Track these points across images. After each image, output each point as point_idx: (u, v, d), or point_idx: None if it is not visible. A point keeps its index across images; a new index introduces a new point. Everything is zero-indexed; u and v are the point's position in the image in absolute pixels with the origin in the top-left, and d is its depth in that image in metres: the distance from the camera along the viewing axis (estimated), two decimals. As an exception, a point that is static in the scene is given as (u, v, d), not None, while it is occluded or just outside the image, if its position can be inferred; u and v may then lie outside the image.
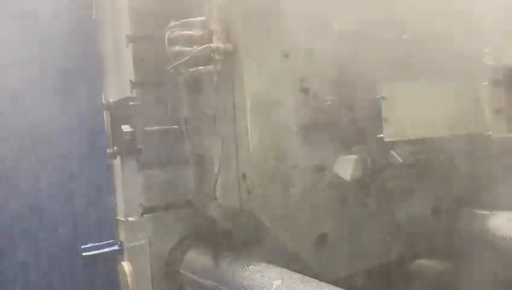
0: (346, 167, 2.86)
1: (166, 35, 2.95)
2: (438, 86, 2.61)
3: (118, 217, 3.98)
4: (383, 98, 2.37)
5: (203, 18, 2.93)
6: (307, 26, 2.82)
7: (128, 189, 3.75)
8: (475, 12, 2.68)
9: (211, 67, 2.86)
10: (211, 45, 2.78)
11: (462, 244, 3.41)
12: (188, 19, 3.00)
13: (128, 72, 3.43)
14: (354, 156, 2.88)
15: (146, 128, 3.33)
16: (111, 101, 3.73)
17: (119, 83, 3.70)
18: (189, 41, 2.93)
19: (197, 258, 3.27)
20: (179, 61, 2.92)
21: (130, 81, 3.36)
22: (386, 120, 2.41)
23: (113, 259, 3.99)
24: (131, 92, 3.38)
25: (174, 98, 3.21)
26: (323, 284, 2.36)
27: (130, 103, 3.35)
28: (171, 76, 3.15)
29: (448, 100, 2.64)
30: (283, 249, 2.82)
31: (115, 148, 3.61)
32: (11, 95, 3.91)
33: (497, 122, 2.31)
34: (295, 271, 2.56)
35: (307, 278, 2.45)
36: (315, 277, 2.45)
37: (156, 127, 3.38)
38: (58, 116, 4.08)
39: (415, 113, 2.50)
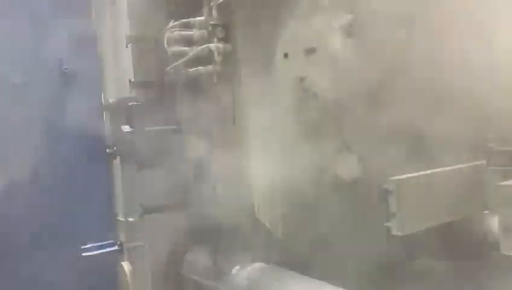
0: None
1: (166, 36, 2.94)
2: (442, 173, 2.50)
3: (118, 218, 3.98)
4: (389, 191, 2.29)
5: (202, 18, 2.93)
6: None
7: (128, 189, 3.75)
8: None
9: (210, 67, 2.86)
10: (210, 45, 2.78)
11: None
12: (188, 19, 3.01)
13: (128, 72, 3.44)
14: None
15: (146, 128, 3.33)
16: (111, 101, 3.73)
17: (118, 83, 3.70)
18: (189, 41, 2.94)
19: (197, 258, 3.27)
20: (179, 62, 2.92)
21: (130, 81, 3.36)
22: (393, 215, 2.31)
23: (113, 259, 3.99)
24: (131, 92, 3.38)
25: (174, 98, 3.21)
26: (322, 283, 2.37)
27: (130, 103, 3.35)
28: (170, 76, 3.15)
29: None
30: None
31: (115, 148, 3.61)
32: (10, 95, 3.91)
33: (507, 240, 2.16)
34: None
35: (305, 277, 2.45)
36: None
37: (155, 127, 3.38)
38: (58, 116, 4.07)
39: (422, 204, 2.40)
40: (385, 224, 2.27)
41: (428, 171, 2.41)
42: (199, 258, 3.25)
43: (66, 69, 4.08)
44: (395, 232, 2.26)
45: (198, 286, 3.13)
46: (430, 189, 2.39)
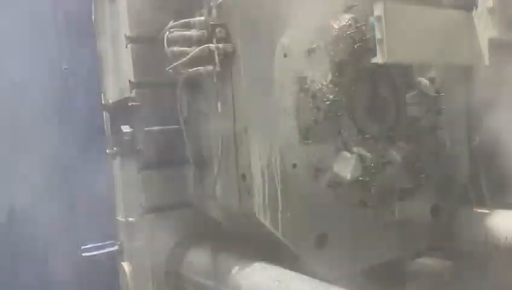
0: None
1: (166, 36, 2.94)
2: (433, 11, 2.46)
3: (117, 217, 3.98)
4: (378, 17, 2.27)
5: (202, 18, 2.93)
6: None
7: (128, 189, 3.75)
8: None
9: (210, 67, 2.86)
10: (210, 45, 2.78)
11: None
12: (187, 19, 3.01)
13: (128, 72, 3.44)
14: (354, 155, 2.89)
15: (145, 129, 3.33)
16: (110, 101, 3.73)
17: (118, 84, 3.70)
18: (189, 41, 2.94)
19: (197, 258, 3.27)
20: (178, 62, 2.92)
21: (130, 81, 3.36)
22: (379, 42, 2.29)
23: (113, 259, 3.99)
24: (131, 93, 3.38)
25: (174, 98, 3.21)
26: (322, 283, 2.37)
27: (130, 104, 3.35)
28: (170, 76, 3.15)
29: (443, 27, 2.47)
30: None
31: (115, 148, 3.61)
32: (10, 94, 3.91)
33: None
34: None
35: (306, 277, 2.45)
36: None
37: (155, 127, 3.38)
38: (58, 116, 4.08)
39: (409, 36, 2.36)
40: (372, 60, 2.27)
41: (419, 6, 2.40)
42: (199, 258, 3.25)
43: (66, 69, 4.08)
44: (379, 60, 2.26)
45: (198, 286, 3.13)
46: (418, 23, 2.37)
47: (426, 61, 2.41)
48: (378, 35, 2.27)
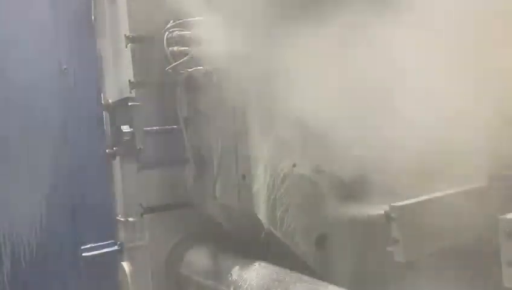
0: None
1: (165, 36, 2.94)
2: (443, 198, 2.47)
3: (117, 217, 3.98)
4: (392, 218, 2.28)
5: (201, 18, 2.93)
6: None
7: (128, 189, 3.75)
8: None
9: (210, 67, 2.86)
10: (210, 45, 2.78)
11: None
12: (187, 19, 3.00)
13: (128, 72, 3.44)
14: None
15: (145, 129, 3.33)
16: (110, 101, 3.73)
17: (118, 84, 3.70)
18: (188, 41, 2.94)
19: (197, 258, 3.27)
20: (178, 62, 2.92)
21: (129, 81, 3.36)
22: (395, 241, 2.31)
23: (113, 259, 3.99)
24: (131, 93, 3.38)
25: (174, 98, 3.21)
26: (322, 283, 2.37)
27: (129, 103, 3.35)
28: (170, 76, 3.15)
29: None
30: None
31: (115, 148, 3.61)
32: (9, 94, 3.91)
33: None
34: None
35: (306, 277, 2.45)
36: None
37: (155, 127, 3.38)
38: (57, 116, 4.07)
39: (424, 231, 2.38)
40: (387, 249, 2.27)
41: (429, 197, 2.38)
42: (199, 258, 3.25)
43: (65, 69, 4.07)
44: (397, 258, 2.25)
45: (198, 286, 3.13)
46: (431, 215, 2.36)
47: (442, 247, 2.40)
48: (394, 235, 2.25)
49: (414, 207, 2.30)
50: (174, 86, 3.17)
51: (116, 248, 3.98)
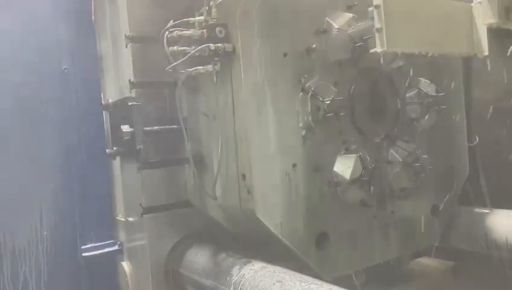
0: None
1: (165, 36, 2.94)
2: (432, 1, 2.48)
3: (117, 217, 3.99)
4: (377, 6, 2.28)
5: (202, 18, 2.93)
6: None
7: (128, 189, 3.75)
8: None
9: (210, 67, 2.86)
10: (210, 45, 2.78)
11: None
12: (187, 19, 3.01)
13: (128, 72, 3.44)
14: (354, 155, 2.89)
15: (145, 129, 3.33)
16: (110, 101, 3.73)
17: (118, 84, 3.70)
18: (188, 41, 2.94)
19: (197, 258, 3.27)
20: (178, 61, 2.92)
21: (129, 81, 3.37)
22: (378, 31, 2.30)
23: (113, 259, 3.99)
24: (131, 92, 3.38)
25: (174, 98, 3.21)
26: (323, 283, 2.36)
27: (129, 103, 3.35)
28: (170, 76, 3.15)
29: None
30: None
31: (114, 148, 3.61)
32: (9, 94, 3.91)
33: None
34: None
35: (306, 277, 2.45)
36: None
37: (155, 127, 3.38)
38: (57, 116, 4.07)
39: (408, 26, 2.37)
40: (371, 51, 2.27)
41: None
42: (199, 258, 3.25)
43: (65, 69, 4.07)
44: (378, 49, 2.26)
45: (198, 286, 3.13)
46: (417, 13, 2.38)
47: (425, 50, 2.40)
48: (377, 25, 2.26)
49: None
50: (174, 86, 3.17)
51: (116, 248, 3.98)
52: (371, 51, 2.34)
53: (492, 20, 2.35)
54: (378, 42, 2.26)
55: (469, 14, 2.47)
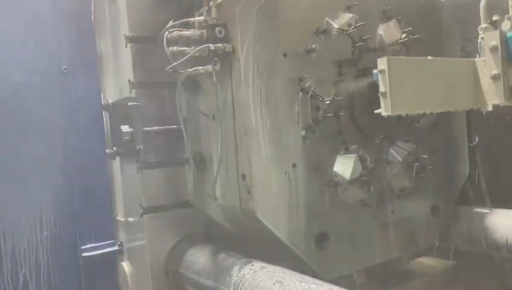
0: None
1: (165, 36, 2.95)
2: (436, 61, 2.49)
3: (117, 217, 3.99)
4: (382, 71, 2.29)
5: (202, 18, 2.93)
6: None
7: (128, 189, 3.75)
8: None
9: (209, 67, 2.86)
10: (210, 45, 2.78)
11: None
12: (187, 19, 3.01)
13: (127, 72, 3.44)
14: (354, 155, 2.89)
15: (145, 129, 3.33)
16: (110, 101, 3.73)
17: (118, 83, 3.70)
18: (188, 41, 2.94)
19: (197, 258, 3.27)
20: (178, 62, 2.92)
21: (129, 81, 3.37)
22: (383, 95, 2.30)
23: (113, 259, 3.99)
24: (130, 92, 3.39)
25: (174, 98, 3.21)
26: (324, 283, 2.36)
27: (129, 103, 3.35)
28: (170, 76, 3.15)
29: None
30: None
31: (114, 148, 3.61)
32: (9, 94, 3.91)
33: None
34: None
35: (306, 277, 2.45)
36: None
37: (155, 127, 3.38)
38: (57, 116, 4.07)
39: (413, 88, 2.38)
40: (375, 112, 2.29)
41: (421, 58, 2.41)
42: (199, 258, 3.25)
43: (65, 69, 4.07)
44: (383, 112, 2.26)
45: (198, 286, 3.13)
46: (422, 74, 2.39)
47: (429, 110, 2.41)
48: (382, 89, 2.25)
49: (404, 62, 2.31)
50: (174, 86, 3.17)
51: (116, 248, 3.98)
52: (375, 111, 2.34)
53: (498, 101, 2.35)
54: (383, 106, 2.25)
55: (472, 68, 2.46)
